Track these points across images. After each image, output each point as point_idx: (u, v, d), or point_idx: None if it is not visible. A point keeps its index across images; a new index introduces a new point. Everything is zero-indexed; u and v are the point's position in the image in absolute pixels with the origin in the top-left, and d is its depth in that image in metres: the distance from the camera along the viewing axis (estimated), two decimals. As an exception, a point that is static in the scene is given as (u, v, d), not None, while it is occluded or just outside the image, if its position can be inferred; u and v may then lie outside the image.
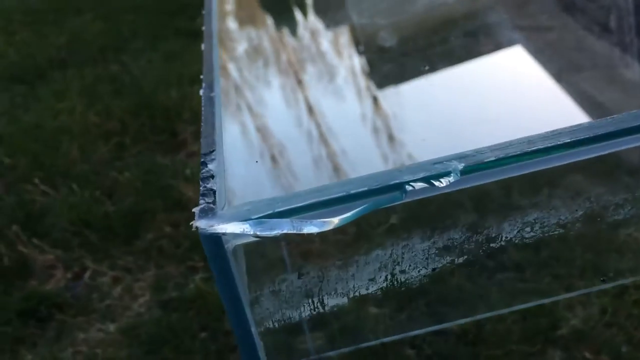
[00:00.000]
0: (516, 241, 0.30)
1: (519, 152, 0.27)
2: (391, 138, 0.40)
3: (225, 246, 0.28)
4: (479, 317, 1.07)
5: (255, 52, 0.60)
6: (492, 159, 0.27)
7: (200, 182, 0.28)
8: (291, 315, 0.31)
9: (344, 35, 0.61)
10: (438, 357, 1.00)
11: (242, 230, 0.26)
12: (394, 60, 0.56)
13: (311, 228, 0.26)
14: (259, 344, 0.29)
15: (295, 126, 0.36)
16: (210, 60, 0.43)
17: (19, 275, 1.17)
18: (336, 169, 0.33)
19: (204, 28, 0.48)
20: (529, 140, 0.27)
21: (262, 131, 0.36)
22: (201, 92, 0.36)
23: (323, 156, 0.35)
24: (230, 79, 0.48)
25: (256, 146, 0.36)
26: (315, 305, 0.30)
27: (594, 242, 1.21)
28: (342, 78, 0.52)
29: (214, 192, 0.27)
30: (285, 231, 0.25)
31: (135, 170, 1.41)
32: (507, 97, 0.46)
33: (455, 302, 1.11)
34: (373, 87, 0.49)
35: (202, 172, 0.29)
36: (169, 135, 1.54)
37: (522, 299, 1.12)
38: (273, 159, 0.36)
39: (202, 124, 0.33)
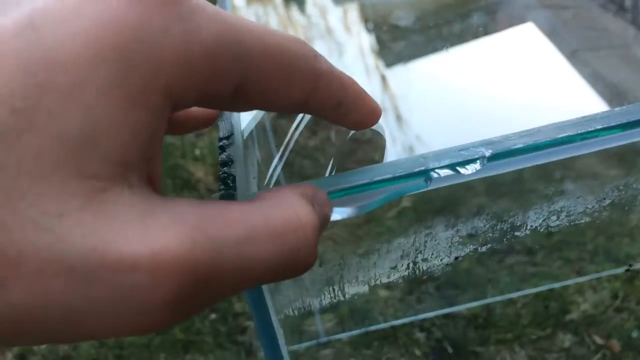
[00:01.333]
0: (541, 230, 0.30)
1: (548, 139, 0.26)
2: (399, 118, 0.39)
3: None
4: (488, 300, 1.06)
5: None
6: (521, 145, 0.26)
7: (220, 167, 0.27)
8: (311, 303, 0.30)
9: (353, 12, 0.60)
10: (448, 340, 1.00)
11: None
12: (404, 38, 0.55)
13: (334, 216, 0.26)
14: (279, 331, 0.29)
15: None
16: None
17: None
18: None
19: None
20: (558, 126, 0.27)
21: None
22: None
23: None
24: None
25: (270, 130, 0.35)
26: (336, 293, 0.30)
27: (606, 225, 1.20)
28: (351, 56, 0.52)
29: (234, 177, 0.26)
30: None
31: (144, 150, 1.41)
32: (519, 77, 0.45)
33: (465, 285, 1.10)
34: (382, 65, 0.49)
35: (220, 156, 0.28)
36: (177, 116, 1.53)
37: (533, 283, 1.11)
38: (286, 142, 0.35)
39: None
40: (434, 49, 0.48)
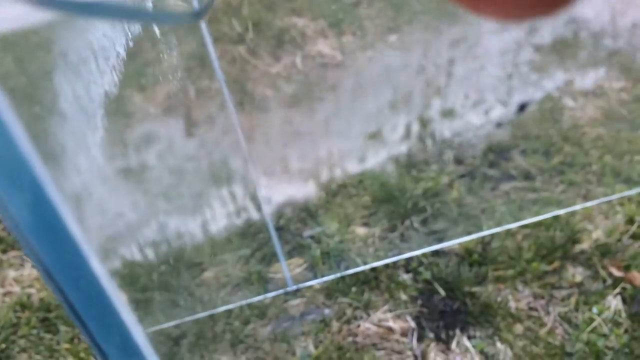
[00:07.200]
0: None
1: None
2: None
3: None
4: (483, 233, 0.91)
5: None
6: None
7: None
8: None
9: None
10: (439, 281, 0.84)
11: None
12: None
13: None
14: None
15: None
16: None
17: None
18: None
19: None
20: None
21: None
22: None
23: None
24: None
25: None
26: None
27: (612, 143, 1.05)
28: None
29: None
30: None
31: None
32: None
33: (455, 217, 0.95)
34: None
35: None
36: None
37: (533, 211, 0.96)
38: None
39: None
40: None
